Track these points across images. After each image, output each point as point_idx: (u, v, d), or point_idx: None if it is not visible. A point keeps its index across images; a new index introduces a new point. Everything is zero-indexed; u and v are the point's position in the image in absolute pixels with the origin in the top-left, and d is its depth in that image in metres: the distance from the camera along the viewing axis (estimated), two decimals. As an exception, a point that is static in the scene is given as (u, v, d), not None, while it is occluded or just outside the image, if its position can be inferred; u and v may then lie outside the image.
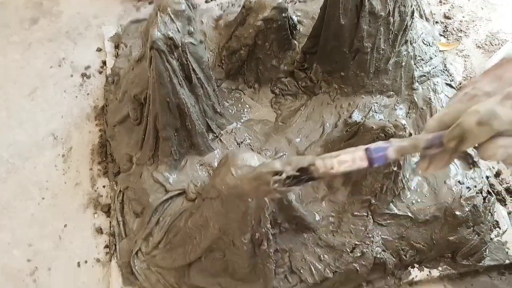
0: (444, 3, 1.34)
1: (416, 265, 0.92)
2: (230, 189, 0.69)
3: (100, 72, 1.22)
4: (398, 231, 0.91)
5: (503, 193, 1.01)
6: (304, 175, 0.53)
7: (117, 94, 1.08)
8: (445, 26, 1.29)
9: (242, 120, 1.07)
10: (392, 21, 0.94)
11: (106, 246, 0.97)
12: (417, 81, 1.07)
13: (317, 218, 0.91)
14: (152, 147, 0.96)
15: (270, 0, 1.01)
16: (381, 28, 0.95)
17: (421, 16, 1.24)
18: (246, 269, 0.82)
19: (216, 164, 0.98)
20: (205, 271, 0.86)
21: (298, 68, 1.10)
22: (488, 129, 0.44)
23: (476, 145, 0.47)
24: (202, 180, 0.96)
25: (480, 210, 0.91)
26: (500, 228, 0.96)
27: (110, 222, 0.99)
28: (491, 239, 0.94)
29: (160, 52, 0.80)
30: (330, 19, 0.97)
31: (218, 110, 1.01)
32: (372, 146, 0.50)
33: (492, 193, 0.97)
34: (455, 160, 0.97)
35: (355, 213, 0.91)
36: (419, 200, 0.93)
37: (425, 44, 1.12)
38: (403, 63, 1.03)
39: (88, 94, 1.19)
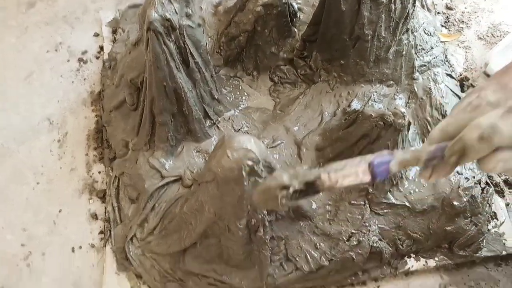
0: (446, -6, 1.33)
1: (412, 255, 0.92)
2: (225, 171, 0.68)
3: (97, 57, 1.20)
4: (395, 221, 0.90)
5: (501, 184, 1.01)
6: (310, 189, 0.55)
7: (114, 79, 1.07)
8: (447, 16, 1.28)
9: (240, 108, 1.06)
10: (393, 8, 0.93)
11: (101, 232, 0.97)
12: (418, 71, 1.05)
13: (314, 206, 0.90)
14: (149, 132, 0.95)
15: (270, -15, 0.99)
16: (382, 15, 0.94)
17: (423, 6, 1.22)
18: (241, 256, 0.82)
19: (213, 151, 0.97)
20: (200, 257, 0.86)
21: (297, 56, 1.08)
22: (489, 145, 0.45)
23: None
24: (198, 167, 0.95)
25: (478, 200, 0.90)
26: (497, 220, 0.96)
27: (105, 208, 0.98)
28: (488, 230, 0.94)
29: (157, 33, 0.79)
30: (330, 5, 0.96)
31: (216, 96, 1.00)
32: (376, 160, 0.52)
33: (491, 184, 0.97)
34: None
35: (352, 201, 0.90)
36: (416, 190, 0.92)
37: (426, 34, 1.11)
38: (404, 52, 1.02)
39: (84, 79, 1.17)
